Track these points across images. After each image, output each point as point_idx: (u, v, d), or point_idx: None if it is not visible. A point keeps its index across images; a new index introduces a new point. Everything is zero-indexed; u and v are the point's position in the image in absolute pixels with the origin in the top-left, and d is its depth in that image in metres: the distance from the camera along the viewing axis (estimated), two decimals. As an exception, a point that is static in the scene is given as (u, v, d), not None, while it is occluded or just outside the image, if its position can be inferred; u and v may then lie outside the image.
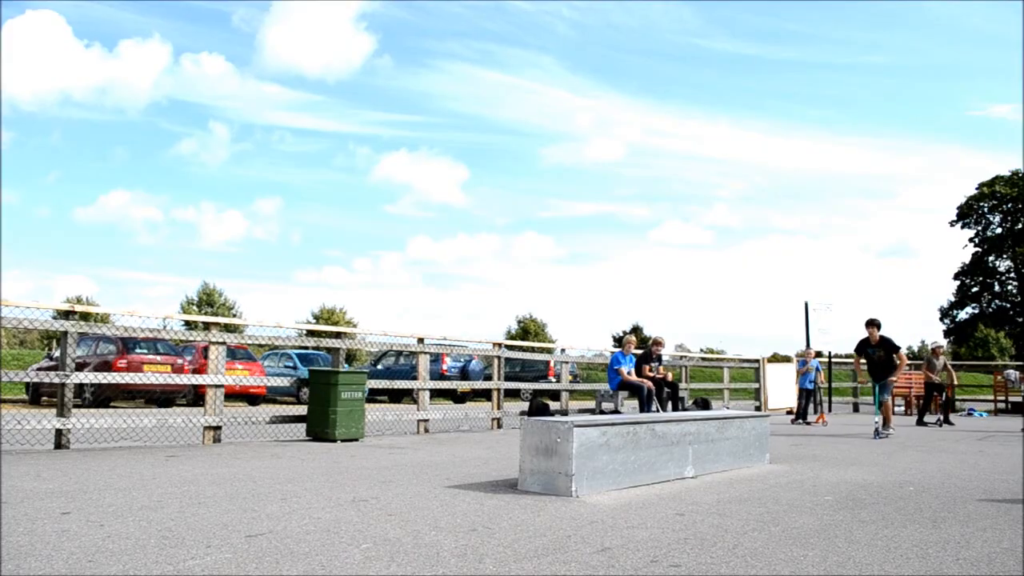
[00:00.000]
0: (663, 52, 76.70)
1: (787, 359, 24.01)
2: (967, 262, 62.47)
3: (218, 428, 9.58)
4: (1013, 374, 22.37)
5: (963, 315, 62.18)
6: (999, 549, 4.06)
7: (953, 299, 63.10)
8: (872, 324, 12.36)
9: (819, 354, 18.57)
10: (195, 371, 18.20)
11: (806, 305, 18.93)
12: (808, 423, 15.92)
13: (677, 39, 75.38)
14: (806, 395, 16.56)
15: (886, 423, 12.15)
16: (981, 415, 20.53)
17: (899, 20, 73.23)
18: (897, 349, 12.32)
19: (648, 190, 79.36)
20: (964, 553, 3.95)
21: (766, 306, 78.33)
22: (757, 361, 21.05)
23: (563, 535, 4.22)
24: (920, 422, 15.98)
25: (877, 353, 12.32)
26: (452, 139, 78.39)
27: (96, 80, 64.77)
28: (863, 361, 12.74)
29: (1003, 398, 22.31)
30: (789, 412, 18.31)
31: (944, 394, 16.89)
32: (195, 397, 17.69)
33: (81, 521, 4.35)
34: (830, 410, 18.12)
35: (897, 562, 3.74)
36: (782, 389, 19.80)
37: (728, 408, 17.49)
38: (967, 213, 62.01)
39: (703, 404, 16.49)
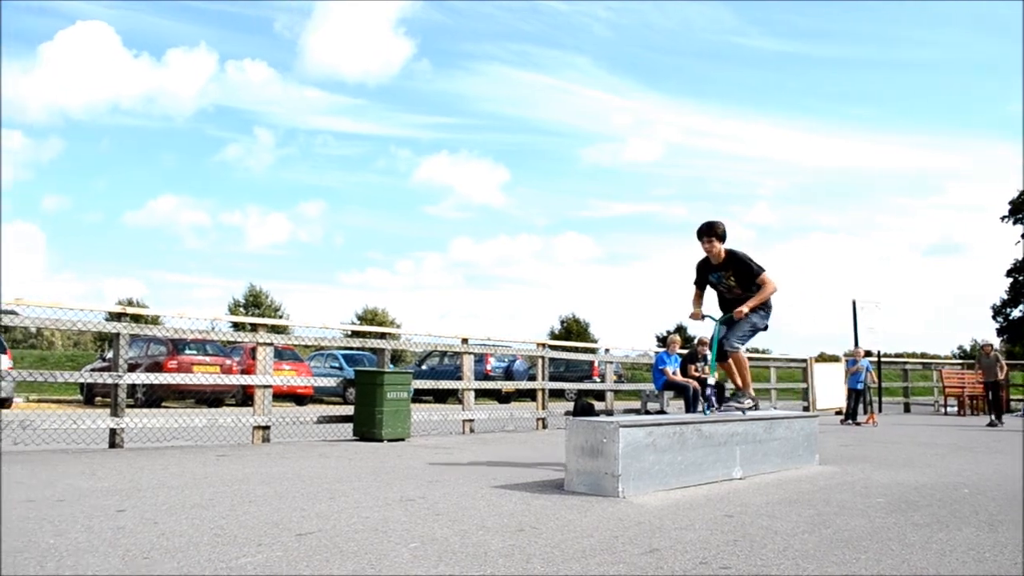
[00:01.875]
0: (701, 51, 76.05)
1: (835, 358, 23.66)
2: (1020, 258, 60.99)
3: (267, 428, 9.70)
4: None
5: (1017, 313, 60.70)
6: (1059, 553, 3.96)
7: (1006, 296, 61.64)
8: (710, 233, 7.25)
9: (868, 353, 18.27)
10: (243, 372, 18.45)
11: (854, 303, 18.65)
12: (858, 424, 15.68)
13: (715, 38, 74.68)
14: (855, 395, 16.32)
15: (744, 387, 7.60)
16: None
17: (938, 15, 71.85)
18: (760, 271, 7.25)
19: (687, 190, 78.85)
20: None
21: (811, 305, 77.21)
22: (804, 361, 20.78)
23: (610, 536, 4.20)
24: (993, 423, 15.64)
25: (725, 278, 7.43)
26: (492, 141, 78.60)
27: (144, 88, 66.11)
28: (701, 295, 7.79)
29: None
30: (838, 412, 18.05)
31: (996, 393, 16.53)
32: (244, 397, 17.95)
33: (136, 519, 4.43)
34: (880, 410, 17.83)
35: (952, 566, 3.66)
36: (830, 389, 19.51)
37: (775, 408, 17.30)
38: (1020, 208, 60.54)
39: (750, 404, 16.29)
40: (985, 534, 4.43)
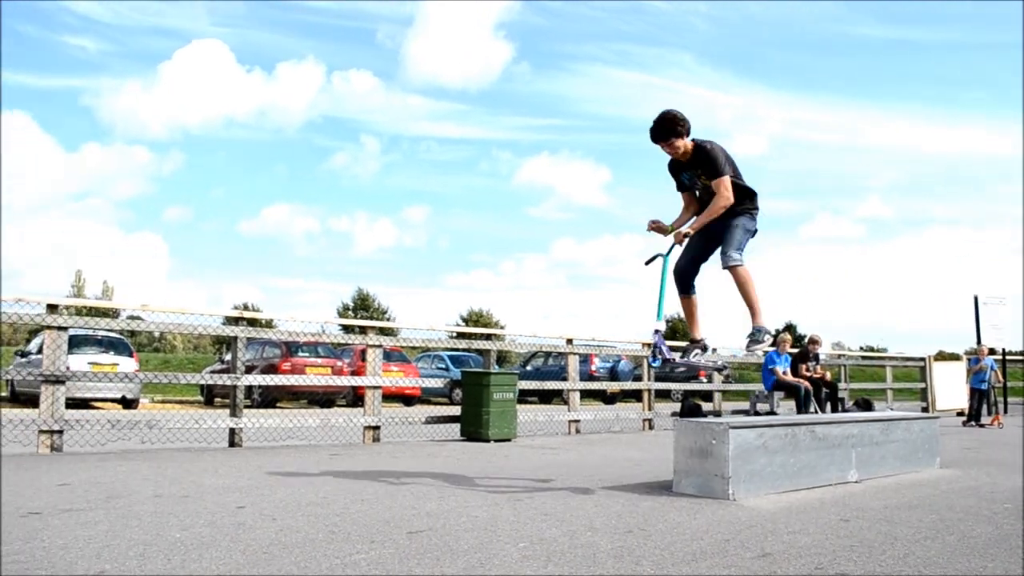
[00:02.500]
0: (806, 42, 73.97)
1: (955, 357, 22.67)
2: None
3: (377, 428, 9.92)
4: None
5: None
6: None
7: None
8: (665, 135, 5.74)
9: (992, 351, 17.43)
10: (353, 373, 18.91)
11: (976, 299, 17.83)
12: (982, 425, 14.97)
13: (819, 28, 72.49)
14: (978, 395, 15.57)
15: (755, 317, 5.82)
16: None
17: None
18: (720, 174, 5.69)
19: (795, 184, 76.79)
20: None
21: (929, 301, 74.09)
22: (923, 359, 19.97)
23: (721, 539, 4.13)
24: None
25: (697, 178, 5.95)
26: (593, 141, 78.31)
27: (257, 102, 68.41)
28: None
29: None
30: (960, 413, 17.28)
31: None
32: (354, 398, 18.39)
33: (255, 515, 4.59)
34: (1006, 411, 16.98)
35: (1090, 576, 3.47)
36: (951, 389, 18.71)
37: (892, 409, 16.69)
38: None
39: (865, 405, 15.80)
40: (1125, 543, 4.18)
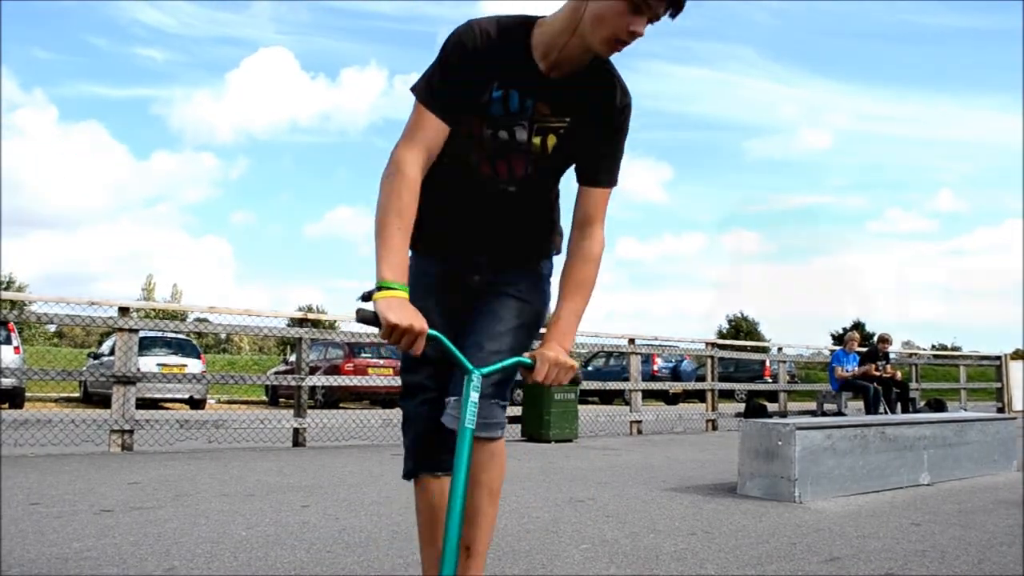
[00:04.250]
0: (872, 32, 72.47)
1: (1033, 356, 21.92)
2: None
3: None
4: None
5: None
6: None
7: None
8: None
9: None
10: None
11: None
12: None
13: (886, 17, 70.94)
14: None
15: None
16: None
17: None
18: None
19: (863, 178, 75.31)
20: None
21: (1006, 297, 72.01)
22: (999, 358, 19.37)
23: (787, 542, 4.05)
24: None
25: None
26: (654, 138, 77.73)
27: (321, 107, 69.81)
28: None
29: None
30: (1038, 414, 16.74)
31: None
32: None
33: (319, 514, 4.64)
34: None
35: None
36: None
37: (966, 410, 16.22)
38: None
39: (937, 406, 15.37)
40: None
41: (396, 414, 11.77)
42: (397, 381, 15.73)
